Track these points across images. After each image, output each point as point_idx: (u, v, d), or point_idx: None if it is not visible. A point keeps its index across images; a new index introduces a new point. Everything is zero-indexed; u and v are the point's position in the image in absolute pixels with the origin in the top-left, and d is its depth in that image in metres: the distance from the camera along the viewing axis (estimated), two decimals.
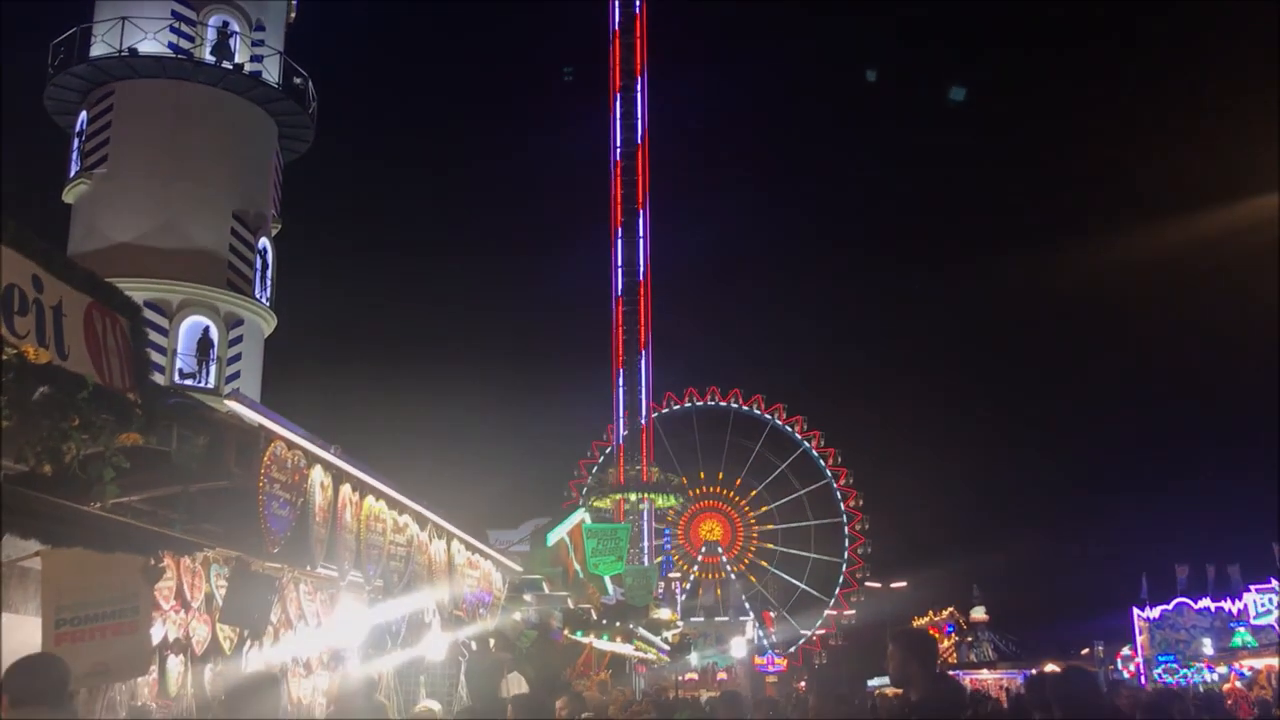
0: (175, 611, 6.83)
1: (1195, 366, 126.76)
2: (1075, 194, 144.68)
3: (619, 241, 55.02)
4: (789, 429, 75.70)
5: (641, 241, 54.86)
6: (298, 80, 29.63)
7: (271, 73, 28.68)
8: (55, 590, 5.43)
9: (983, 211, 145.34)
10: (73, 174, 27.04)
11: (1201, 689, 39.29)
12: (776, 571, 75.16)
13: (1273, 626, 45.42)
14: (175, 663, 7.06)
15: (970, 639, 73.64)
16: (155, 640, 6.41)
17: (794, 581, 74.39)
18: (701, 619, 63.43)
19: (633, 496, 34.97)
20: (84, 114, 27.37)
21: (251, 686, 5.93)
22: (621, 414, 53.56)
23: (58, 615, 5.39)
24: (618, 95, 55.91)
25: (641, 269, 54.72)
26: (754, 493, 76.89)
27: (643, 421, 53.98)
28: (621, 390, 53.93)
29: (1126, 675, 53.97)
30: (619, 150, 55.55)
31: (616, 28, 56.10)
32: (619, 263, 54.84)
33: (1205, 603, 53.01)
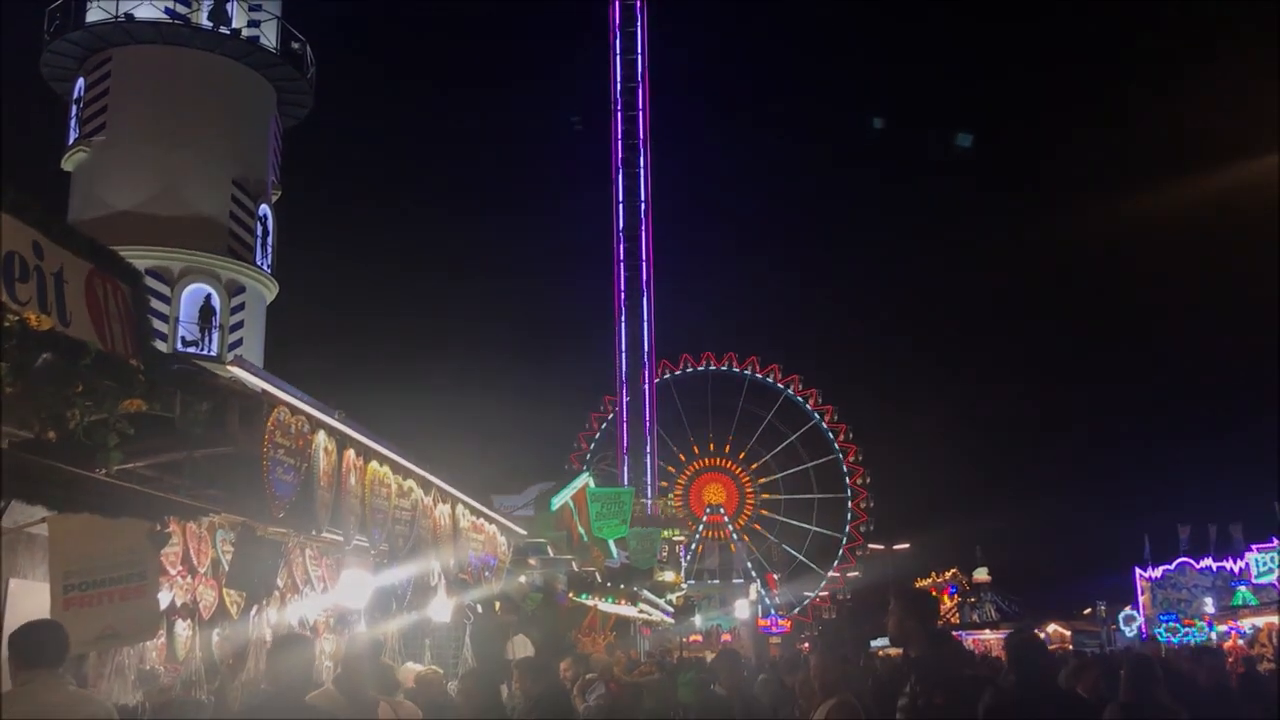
0: (182, 577, 6.88)
1: (1197, 327, 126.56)
2: (1079, 160, 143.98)
3: (620, 179, 54.62)
4: (802, 401, 75.64)
5: (642, 178, 54.59)
6: (295, 45, 29.43)
7: (269, 38, 28.48)
8: (62, 556, 5.46)
9: (989, 178, 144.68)
10: (71, 141, 26.94)
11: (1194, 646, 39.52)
12: (776, 541, 75.40)
13: (1274, 585, 45.63)
14: (183, 627, 7.14)
15: (973, 600, 73.98)
16: (163, 605, 6.47)
17: (793, 552, 74.71)
18: (705, 581, 63.75)
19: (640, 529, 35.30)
20: (81, 81, 27.23)
21: (288, 643, 6.02)
22: (624, 360, 53.46)
23: (65, 580, 5.43)
24: (618, 59, 55.48)
25: (643, 203, 54.43)
26: (760, 461, 76.95)
27: (645, 386, 53.96)
28: (624, 336, 53.75)
29: (1128, 634, 54.33)
30: (619, 101, 55.19)
31: None
32: (620, 198, 54.53)
33: (1207, 562, 53.28)
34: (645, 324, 54.11)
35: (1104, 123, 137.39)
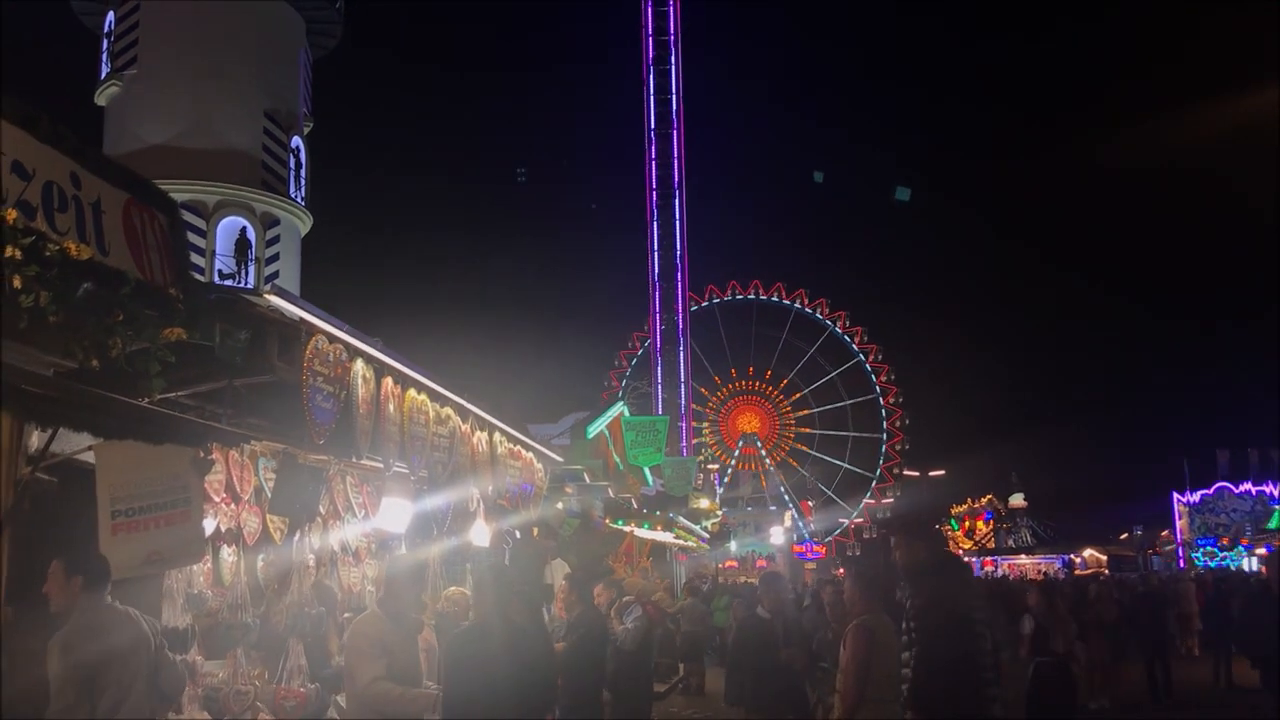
0: (226, 504, 6.99)
1: (1237, 248, 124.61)
2: (1115, 77, 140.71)
3: (651, 98, 53.98)
4: (812, 312, 74.90)
5: (675, 104, 53.92)
6: None
7: None
8: (109, 482, 5.55)
9: (1024, 91, 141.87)
10: (103, 76, 26.95)
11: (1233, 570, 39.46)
12: (817, 455, 75.04)
13: None
14: (228, 552, 7.27)
15: (1009, 525, 74.14)
16: (208, 531, 6.58)
17: (835, 462, 74.24)
18: (739, 509, 64.15)
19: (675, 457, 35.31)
20: (111, 14, 27.18)
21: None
22: (657, 290, 53.32)
23: (113, 506, 5.53)
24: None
25: (676, 131, 53.81)
26: (786, 380, 76.67)
27: (679, 316, 53.83)
28: (656, 257, 53.46)
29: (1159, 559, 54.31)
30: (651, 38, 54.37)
31: None
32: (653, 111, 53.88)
33: (1246, 486, 53.03)
34: (678, 254, 53.83)
35: (1144, 52, 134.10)
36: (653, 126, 54.12)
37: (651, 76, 54.13)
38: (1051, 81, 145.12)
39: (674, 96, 53.80)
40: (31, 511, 5.32)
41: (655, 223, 54.04)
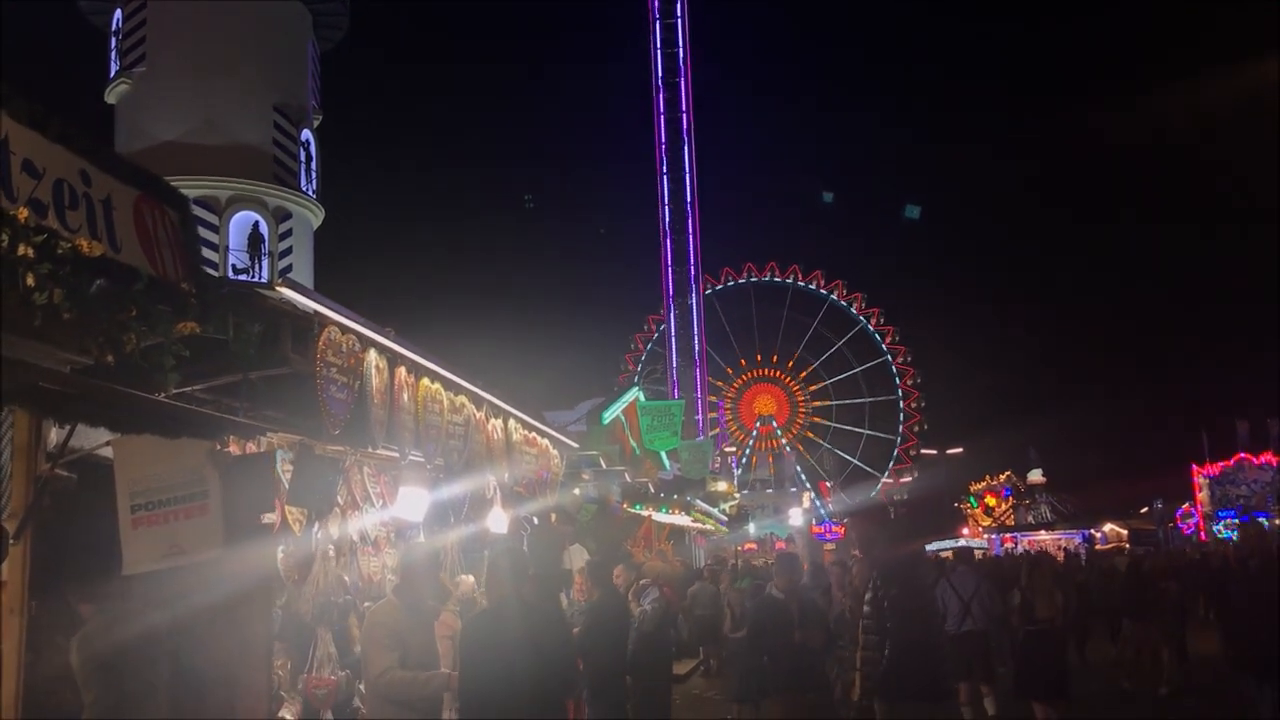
0: None
1: (1251, 217, 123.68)
2: (1132, 48, 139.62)
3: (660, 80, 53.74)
4: (847, 306, 74.79)
5: (682, 87, 53.60)
6: None
7: None
8: (128, 477, 5.61)
9: (1040, 68, 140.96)
10: (113, 74, 27.05)
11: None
12: (830, 447, 75.15)
13: None
14: None
15: (1028, 502, 73.86)
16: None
17: (847, 457, 74.44)
18: (758, 491, 64.14)
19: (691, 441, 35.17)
20: (119, 12, 27.26)
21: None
22: (670, 274, 53.20)
23: (131, 500, 5.58)
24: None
25: (686, 117, 53.48)
26: (809, 369, 76.56)
27: (693, 300, 53.73)
28: (669, 233, 53.23)
29: (1183, 532, 54.11)
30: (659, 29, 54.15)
31: None
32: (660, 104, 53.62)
33: (1267, 457, 52.74)
34: (690, 236, 53.74)
35: (1167, 22, 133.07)
36: (660, 75, 53.72)
37: (658, 29, 53.66)
38: (1073, 51, 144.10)
39: (680, 47, 53.35)
40: (52, 507, 5.37)
41: (665, 178, 53.72)
